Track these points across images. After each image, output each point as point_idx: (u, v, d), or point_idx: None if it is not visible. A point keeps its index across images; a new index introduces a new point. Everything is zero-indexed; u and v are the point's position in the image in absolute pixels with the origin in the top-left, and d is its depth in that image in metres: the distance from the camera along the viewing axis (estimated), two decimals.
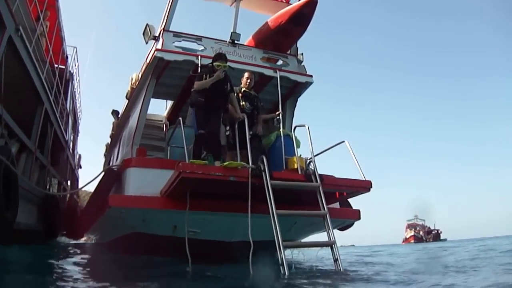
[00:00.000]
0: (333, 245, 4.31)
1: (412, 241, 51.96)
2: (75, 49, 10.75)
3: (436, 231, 55.90)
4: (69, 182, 11.87)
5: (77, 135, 14.80)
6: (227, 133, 5.17)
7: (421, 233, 55.60)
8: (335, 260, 4.25)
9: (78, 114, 14.50)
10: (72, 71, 11.02)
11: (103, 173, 5.88)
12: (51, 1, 7.77)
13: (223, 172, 4.29)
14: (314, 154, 5.20)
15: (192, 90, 5.04)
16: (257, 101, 5.59)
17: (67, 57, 10.29)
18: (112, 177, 5.63)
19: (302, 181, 4.75)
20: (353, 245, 29.35)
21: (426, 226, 57.16)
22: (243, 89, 5.51)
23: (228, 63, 5.12)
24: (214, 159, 4.82)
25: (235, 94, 5.27)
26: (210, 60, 5.26)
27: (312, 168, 4.90)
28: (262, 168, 4.34)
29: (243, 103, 5.38)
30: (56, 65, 8.46)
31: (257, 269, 3.84)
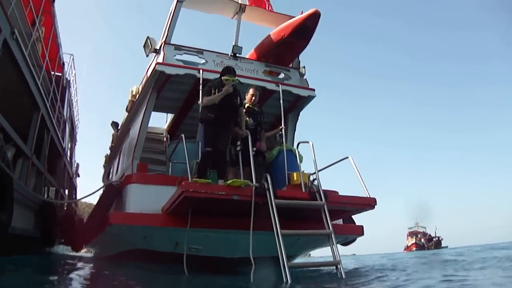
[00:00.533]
0: (338, 265, 4.20)
1: (414, 248, 51.73)
2: (72, 56, 10.57)
3: (437, 238, 55.71)
4: (66, 191, 11.74)
5: (75, 144, 14.61)
6: (238, 148, 5.03)
7: (422, 240, 55.34)
8: (340, 279, 4.15)
9: (76, 122, 14.35)
10: (69, 79, 10.84)
11: (103, 187, 5.82)
12: (47, 6, 7.59)
13: (226, 191, 4.23)
14: (318, 169, 5.13)
15: (201, 105, 4.96)
16: (260, 117, 5.53)
17: (63, 64, 10.09)
18: (112, 193, 5.55)
19: (306, 200, 4.67)
20: (354, 254, 29.16)
21: (427, 233, 56.96)
22: (247, 105, 5.46)
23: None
24: (218, 176, 4.76)
25: None
26: (211, 74, 5.18)
27: (316, 185, 4.83)
28: (266, 187, 4.26)
29: (247, 119, 5.32)
30: (52, 72, 8.31)
31: (258, 280, 3.78)
